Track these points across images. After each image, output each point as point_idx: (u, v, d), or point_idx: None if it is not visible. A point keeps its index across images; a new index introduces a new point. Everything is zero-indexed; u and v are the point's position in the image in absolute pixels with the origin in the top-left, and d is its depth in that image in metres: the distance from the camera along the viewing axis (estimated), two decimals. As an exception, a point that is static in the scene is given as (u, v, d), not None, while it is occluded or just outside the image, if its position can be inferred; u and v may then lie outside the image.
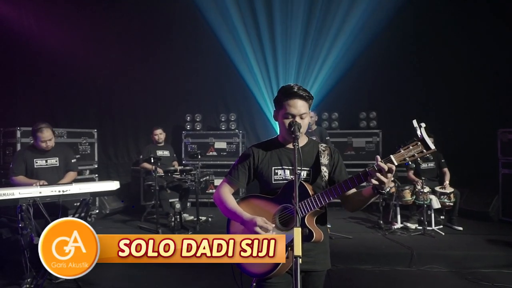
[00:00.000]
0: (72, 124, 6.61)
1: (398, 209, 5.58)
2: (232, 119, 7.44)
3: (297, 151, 1.65)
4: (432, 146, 1.57)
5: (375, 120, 7.20)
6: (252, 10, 7.26)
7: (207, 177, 6.62)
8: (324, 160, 1.89)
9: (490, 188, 6.10)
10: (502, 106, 6.48)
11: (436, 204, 5.24)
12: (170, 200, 5.87)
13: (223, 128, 7.42)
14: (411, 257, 4.28)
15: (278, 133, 2.01)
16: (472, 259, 4.29)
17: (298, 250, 1.34)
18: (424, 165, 5.73)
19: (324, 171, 1.87)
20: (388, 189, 1.70)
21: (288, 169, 1.89)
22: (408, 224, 5.48)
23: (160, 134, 6.21)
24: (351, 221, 6.00)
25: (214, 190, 6.99)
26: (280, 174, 1.89)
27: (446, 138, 6.82)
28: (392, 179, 1.72)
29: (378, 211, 5.76)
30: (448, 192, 5.34)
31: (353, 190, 1.85)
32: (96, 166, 6.50)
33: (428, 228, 5.15)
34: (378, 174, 1.59)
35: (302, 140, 1.94)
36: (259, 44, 7.39)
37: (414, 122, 1.60)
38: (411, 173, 5.71)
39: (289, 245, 1.39)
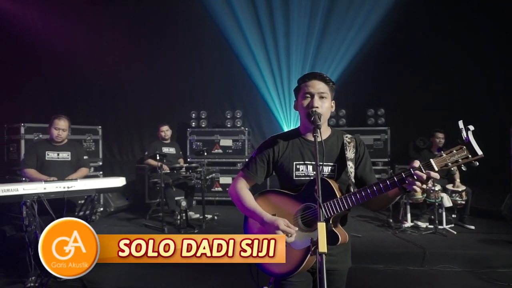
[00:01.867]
0: (76, 121, 6.53)
1: (408, 207, 5.47)
2: (238, 116, 7.35)
3: (319, 145, 1.52)
4: (480, 152, 1.38)
5: (383, 117, 7.09)
6: (259, 6, 7.16)
7: (213, 175, 6.53)
8: (350, 153, 1.73)
9: (502, 186, 5.97)
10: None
11: (447, 202, 5.12)
12: (176, 198, 5.80)
13: (228, 125, 7.33)
14: (423, 256, 4.18)
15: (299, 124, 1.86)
16: (486, 258, 4.18)
17: (323, 246, 1.24)
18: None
19: (350, 166, 1.71)
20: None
21: (310, 164, 1.74)
22: (419, 223, 5.37)
23: (166, 131, 6.14)
24: (360, 219, 5.90)
25: (219, 188, 6.99)
26: (302, 170, 1.74)
27: (457, 136, 6.70)
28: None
29: (387, 209, 5.66)
30: (459, 190, 5.23)
31: None
32: (100, 163, 6.44)
33: (439, 227, 5.03)
34: (417, 183, 1.44)
35: (325, 132, 1.79)
36: (265, 40, 7.30)
37: (460, 123, 1.42)
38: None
39: (314, 243, 1.28)
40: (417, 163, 1.45)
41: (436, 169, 1.41)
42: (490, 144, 6.37)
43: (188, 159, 7.06)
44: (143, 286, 3.73)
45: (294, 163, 1.76)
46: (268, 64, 7.41)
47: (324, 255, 1.24)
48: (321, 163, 1.57)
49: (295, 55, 7.31)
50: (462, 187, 5.27)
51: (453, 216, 5.62)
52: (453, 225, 5.27)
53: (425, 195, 5.28)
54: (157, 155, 5.23)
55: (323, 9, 7.01)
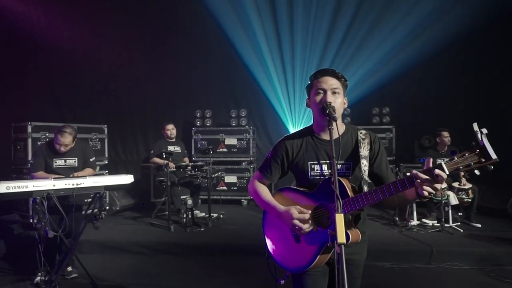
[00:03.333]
0: (81, 120, 6.57)
1: (414, 205, 5.45)
2: (243, 115, 7.36)
3: (336, 140, 1.52)
4: (494, 156, 1.31)
5: (388, 116, 7.08)
6: (263, 4, 7.16)
7: (219, 173, 6.54)
8: (364, 151, 1.71)
9: (508, 184, 5.94)
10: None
11: (453, 200, 5.10)
12: (182, 197, 5.81)
13: (233, 124, 7.34)
14: (430, 254, 4.17)
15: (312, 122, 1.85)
16: (494, 256, 4.16)
17: (342, 237, 1.24)
18: (440, 161, 5.58)
19: (364, 164, 1.69)
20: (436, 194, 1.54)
21: (325, 164, 1.73)
22: (426, 221, 5.36)
23: (172, 129, 6.17)
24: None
25: (224, 187, 7.00)
26: (317, 170, 1.74)
27: (462, 133, 6.68)
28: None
29: (393, 208, 5.65)
30: (466, 188, 5.21)
31: None
32: (106, 162, 6.46)
33: (445, 225, 5.02)
34: (426, 184, 1.40)
35: (340, 128, 1.74)
36: (269, 39, 7.30)
37: (475, 125, 1.35)
38: (427, 169, 5.58)
39: (332, 235, 1.28)
40: (429, 163, 1.42)
41: (447, 172, 1.38)
42: (496, 142, 6.43)
43: (193, 158, 7.07)
44: (150, 283, 3.74)
45: (309, 163, 1.76)
46: (273, 63, 7.40)
47: (343, 246, 1.24)
48: (337, 161, 1.54)
49: (300, 54, 7.30)
50: (468, 185, 5.25)
51: (459, 214, 5.61)
52: (459, 223, 5.25)
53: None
54: (163, 153, 5.24)
55: (329, 7, 7.00)
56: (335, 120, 1.58)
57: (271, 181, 1.89)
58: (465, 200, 5.22)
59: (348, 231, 1.57)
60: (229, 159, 7.12)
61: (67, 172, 3.88)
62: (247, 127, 7.22)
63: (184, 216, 5.26)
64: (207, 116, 7.44)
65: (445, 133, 5.62)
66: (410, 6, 6.77)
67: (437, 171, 1.36)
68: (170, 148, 6.06)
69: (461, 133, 6.50)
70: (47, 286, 3.29)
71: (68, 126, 3.88)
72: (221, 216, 5.85)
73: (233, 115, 7.41)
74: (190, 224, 5.25)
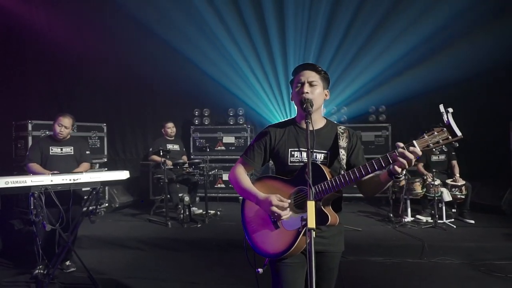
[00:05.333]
0: (81, 118, 6.64)
1: (408, 202, 5.52)
2: (240, 114, 7.45)
3: (310, 132, 1.62)
4: (459, 133, 1.46)
5: (385, 114, 7.15)
6: (261, 5, 7.22)
7: (215, 171, 6.63)
8: (343, 142, 1.82)
9: (502, 181, 6.00)
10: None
11: (447, 197, 5.17)
12: (179, 194, 5.89)
13: (231, 123, 7.42)
14: (422, 249, 4.24)
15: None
16: (485, 251, 4.23)
17: (312, 222, 1.32)
18: (435, 158, 5.67)
19: (342, 154, 1.80)
20: (404, 176, 1.64)
21: (304, 151, 1.83)
22: (420, 217, 5.43)
23: (172, 128, 6.28)
24: (361, 214, 5.96)
25: (222, 185, 7.08)
26: (297, 156, 1.84)
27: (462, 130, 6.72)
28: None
29: (388, 205, 5.73)
30: (459, 184, 5.28)
31: (370, 175, 1.81)
32: (105, 160, 6.55)
33: (439, 221, 5.08)
34: (400, 159, 1.51)
35: (320, 122, 1.90)
36: (266, 38, 7.36)
37: (441, 106, 1.50)
38: (421, 166, 5.65)
39: (304, 220, 1.36)
40: (401, 144, 1.53)
41: (419, 149, 1.49)
42: (491, 139, 6.49)
43: (192, 156, 7.16)
44: (146, 276, 3.82)
45: (290, 149, 1.86)
46: (270, 62, 7.47)
47: (313, 230, 1.32)
48: (311, 149, 1.66)
49: (296, 53, 7.36)
50: (461, 182, 5.31)
51: (453, 210, 5.67)
52: (453, 219, 5.31)
53: (425, 189, 5.34)
54: (161, 151, 5.34)
55: (323, 6, 7.05)
56: (310, 114, 1.69)
57: (254, 166, 1.95)
58: (459, 196, 5.29)
59: (327, 212, 1.67)
60: (227, 157, 7.20)
61: (62, 160, 4.06)
62: (244, 125, 7.30)
63: (182, 212, 5.36)
64: (205, 114, 7.54)
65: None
66: (408, 7, 6.83)
67: (411, 148, 1.49)
68: (169, 146, 6.15)
69: (458, 129, 6.60)
70: (45, 279, 3.38)
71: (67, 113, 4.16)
72: (218, 213, 5.93)
73: (231, 114, 7.49)
74: (187, 220, 5.34)
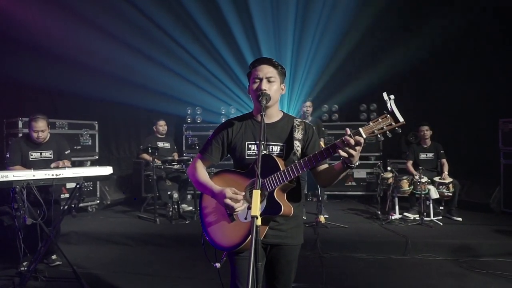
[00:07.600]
0: (75, 116, 6.69)
1: (396, 199, 5.54)
2: (232, 112, 7.48)
3: (264, 124, 1.64)
4: (401, 119, 1.50)
5: (376, 112, 7.17)
6: (246, 5, 7.24)
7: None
8: (298, 135, 1.85)
9: (492, 179, 6.01)
10: (503, 96, 6.35)
11: (434, 194, 5.19)
12: (169, 192, 5.93)
13: (223, 121, 7.44)
14: (405, 245, 4.25)
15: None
16: (469, 248, 4.24)
17: (255, 210, 1.35)
18: (422, 156, 5.69)
19: (297, 145, 1.83)
20: (357, 163, 1.66)
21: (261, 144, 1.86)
22: (407, 214, 5.45)
23: (164, 126, 6.34)
24: (350, 212, 5.99)
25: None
26: (253, 150, 1.86)
27: (447, 129, 6.76)
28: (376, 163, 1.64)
29: (376, 202, 5.74)
30: (446, 182, 5.30)
31: (325, 166, 1.85)
32: (97, 157, 6.58)
33: (426, 218, 5.10)
34: (347, 148, 1.54)
35: (277, 115, 1.93)
36: (254, 36, 7.37)
37: (384, 94, 1.53)
38: (409, 164, 5.67)
39: (249, 208, 1.40)
40: (348, 131, 1.56)
41: (364, 136, 1.52)
42: (480, 137, 6.50)
43: (184, 154, 7.19)
44: (131, 271, 3.86)
45: (246, 143, 1.88)
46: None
47: (255, 218, 1.35)
48: (266, 142, 1.70)
49: (285, 50, 7.38)
50: (449, 179, 5.33)
51: (441, 208, 5.69)
52: (441, 217, 5.33)
53: (412, 187, 5.35)
54: (149, 148, 5.38)
55: (312, 3, 7.06)
56: (267, 108, 1.73)
57: (212, 161, 1.96)
58: (446, 194, 5.31)
59: (280, 202, 1.69)
60: (219, 155, 7.22)
61: (42, 165, 3.93)
62: (236, 123, 7.32)
63: (171, 209, 5.40)
64: (198, 112, 7.58)
65: (423, 127, 5.69)
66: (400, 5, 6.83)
67: (357, 137, 1.51)
68: (160, 144, 6.19)
69: (448, 128, 6.63)
70: (29, 274, 3.42)
71: (38, 113, 3.97)
72: (208, 210, 5.96)
73: (223, 112, 7.53)
74: (176, 217, 5.38)
